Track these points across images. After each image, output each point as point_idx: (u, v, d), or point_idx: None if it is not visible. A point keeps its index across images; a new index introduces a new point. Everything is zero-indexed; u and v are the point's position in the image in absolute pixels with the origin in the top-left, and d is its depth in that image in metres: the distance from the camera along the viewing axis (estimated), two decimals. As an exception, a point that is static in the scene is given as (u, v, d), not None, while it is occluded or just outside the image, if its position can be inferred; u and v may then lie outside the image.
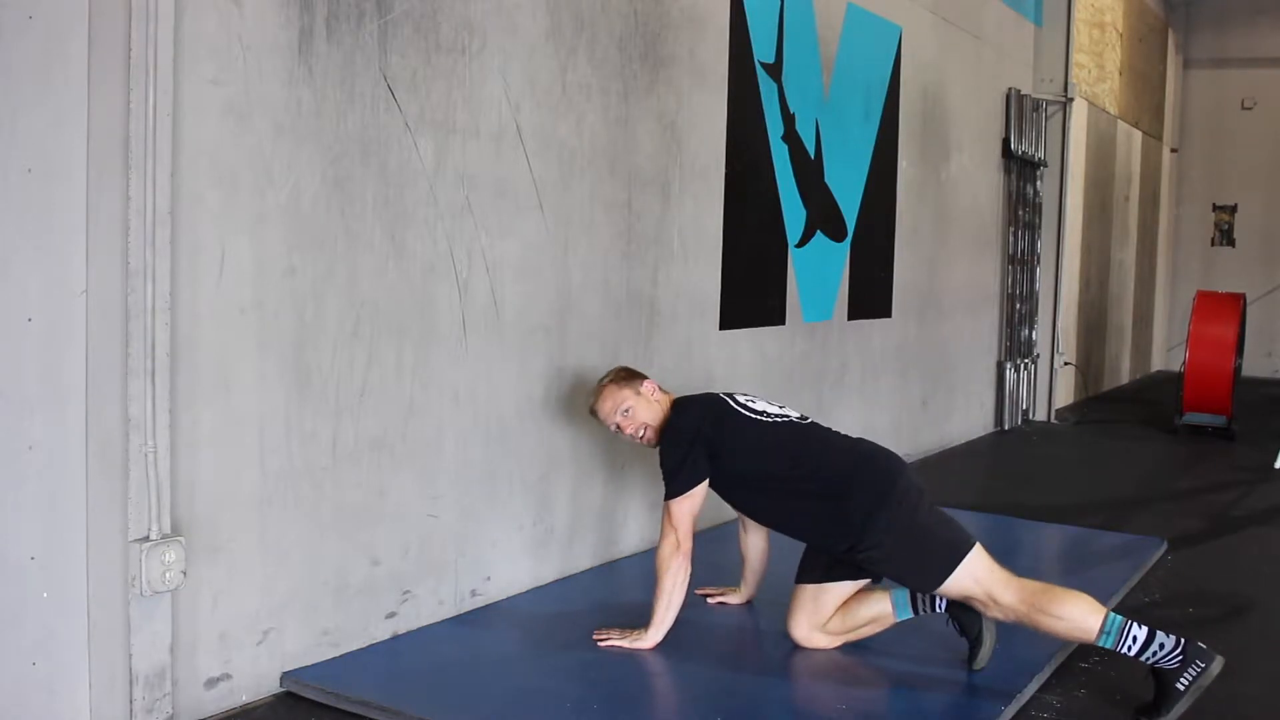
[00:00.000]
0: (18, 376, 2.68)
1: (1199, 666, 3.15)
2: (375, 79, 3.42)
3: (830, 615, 3.59)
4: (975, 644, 3.42)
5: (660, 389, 3.77)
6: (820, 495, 3.47)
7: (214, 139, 2.99)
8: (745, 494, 3.64)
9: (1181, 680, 3.15)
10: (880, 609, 3.57)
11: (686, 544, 3.51)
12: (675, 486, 3.51)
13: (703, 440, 3.53)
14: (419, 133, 3.57)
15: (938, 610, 3.49)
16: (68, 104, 2.72)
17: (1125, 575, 4.57)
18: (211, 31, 2.96)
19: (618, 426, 3.70)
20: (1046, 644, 3.66)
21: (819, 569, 3.57)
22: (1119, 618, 3.22)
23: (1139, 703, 3.25)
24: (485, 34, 3.79)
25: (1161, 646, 3.17)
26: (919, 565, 3.41)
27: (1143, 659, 3.19)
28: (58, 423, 2.76)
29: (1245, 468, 7.40)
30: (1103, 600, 4.15)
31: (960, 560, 3.34)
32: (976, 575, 3.35)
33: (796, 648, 3.60)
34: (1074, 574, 4.83)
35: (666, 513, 3.53)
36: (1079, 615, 3.23)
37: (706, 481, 3.54)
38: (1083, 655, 3.70)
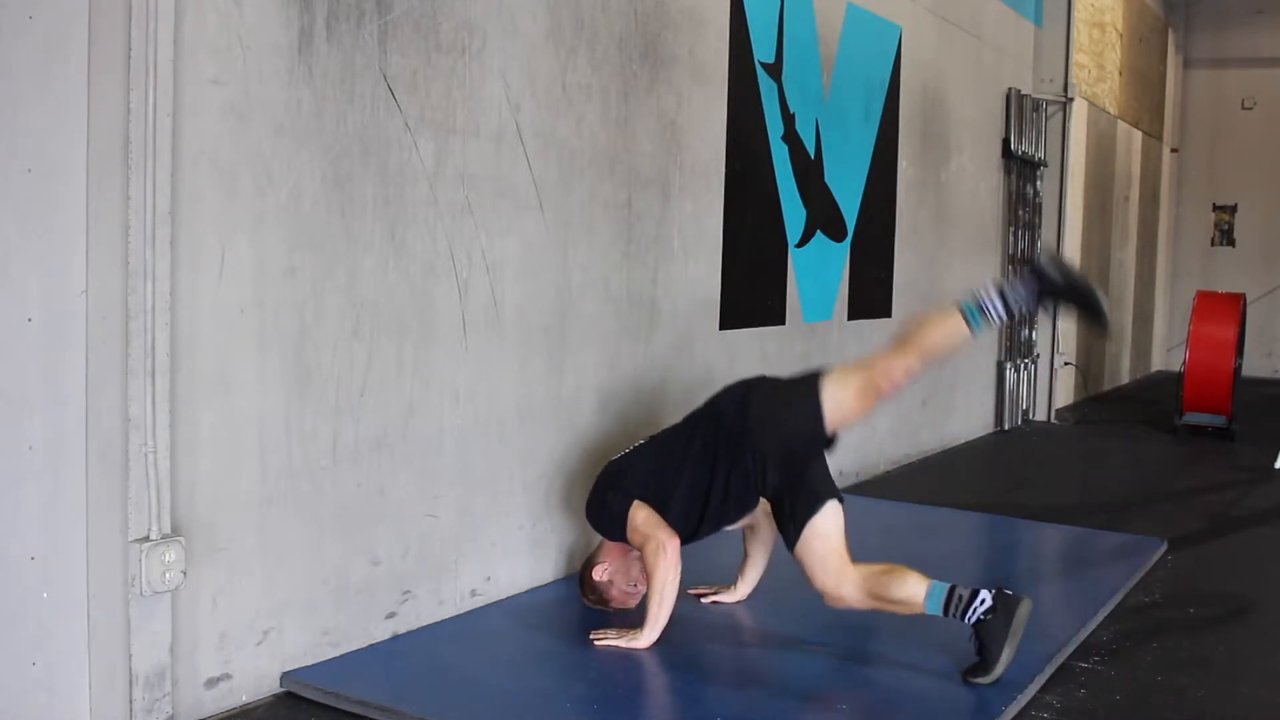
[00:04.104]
0: (18, 376, 2.68)
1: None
2: (375, 79, 3.42)
3: (842, 557, 3.49)
4: (984, 665, 3.32)
5: (610, 556, 3.78)
6: (704, 452, 3.58)
7: (214, 139, 2.99)
8: (676, 512, 3.63)
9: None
10: (913, 592, 3.42)
11: (670, 542, 3.52)
12: (619, 511, 3.61)
13: (612, 487, 3.68)
14: (419, 133, 3.57)
15: (967, 621, 3.36)
16: (68, 104, 2.72)
17: (1125, 575, 4.57)
18: (211, 31, 2.96)
19: (636, 584, 3.77)
20: (1046, 644, 3.66)
21: (788, 525, 3.55)
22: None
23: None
24: (485, 34, 3.79)
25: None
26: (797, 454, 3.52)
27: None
28: (58, 423, 2.76)
29: (1245, 468, 7.39)
30: (1103, 600, 4.18)
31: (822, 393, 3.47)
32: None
33: (795, 648, 3.60)
34: (1074, 574, 4.84)
35: (633, 530, 3.58)
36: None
37: (636, 498, 3.61)
38: (1083, 655, 3.70)
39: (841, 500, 3.58)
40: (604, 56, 4.33)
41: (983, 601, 3.33)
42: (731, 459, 3.56)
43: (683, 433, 3.72)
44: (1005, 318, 3.36)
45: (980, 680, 3.31)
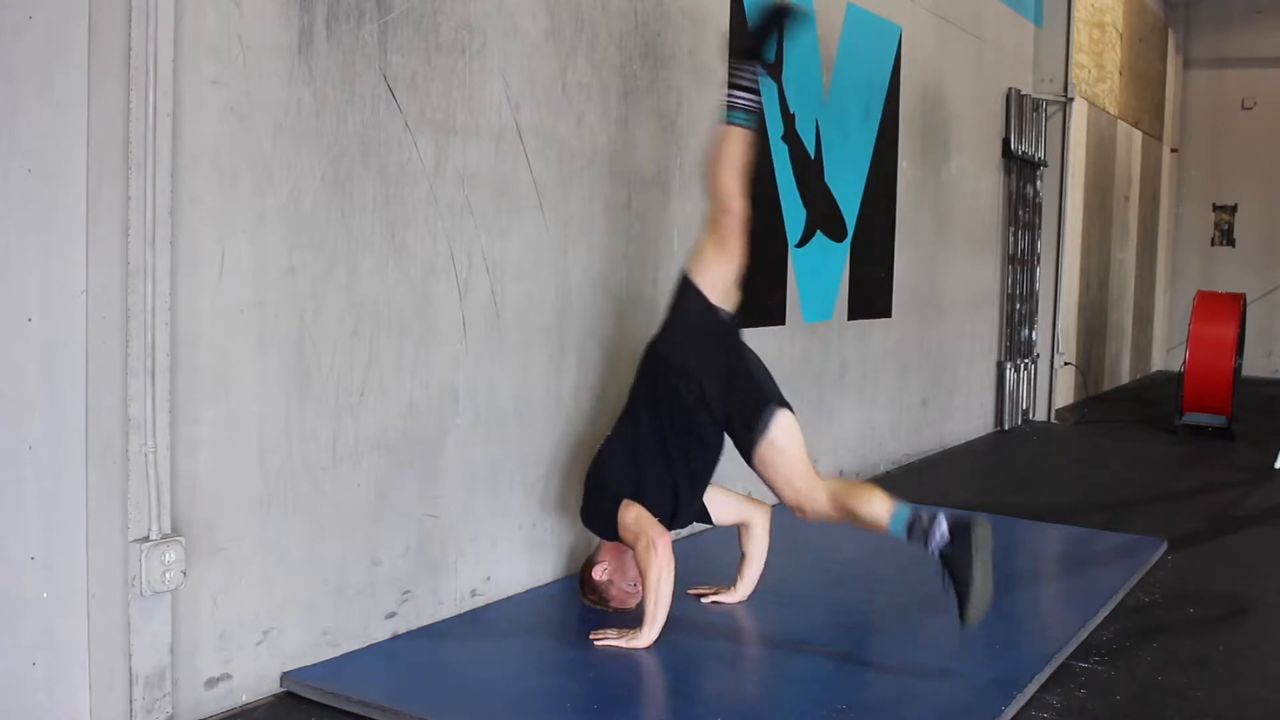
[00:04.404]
0: (18, 376, 2.68)
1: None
2: (375, 79, 3.42)
3: (806, 471, 3.57)
4: (963, 596, 3.34)
5: (608, 555, 3.80)
6: (648, 409, 3.67)
7: (214, 139, 2.99)
8: (653, 482, 3.68)
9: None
10: (878, 512, 3.46)
11: (660, 537, 3.53)
12: (608, 513, 3.64)
13: (597, 491, 3.72)
14: (419, 133, 3.57)
15: (930, 550, 3.40)
16: (68, 104, 2.72)
17: (1125, 575, 4.57)
18: (211, 31, 2.96)
19: (635, 583, 3.75)
20: (1046, 644, 3.67)
21: (742, 440, 3.63)
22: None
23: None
24: (485, 34, 3.79)
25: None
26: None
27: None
28: (58, 423, 2.76)
29: (1245, 468, 7.40)
30: (1103, 600, 4.18)
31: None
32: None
33: (795, 648, 3.60)
34: (1074, 574, 4.84)
35: (624, 530, 3.61)
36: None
37: (622, 496, 3.65)
38: (1083, 655, 3.70)
39: (792, 410, 3.65)
40: (604, 56, 4.33)
41: (941, 534, 3.35)
42: (668, 395, 3.63)
43: (629, 409, 3.77)
44: (752, 99, 3.65)
45: (967, 615, 3.32)
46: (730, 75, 3.72)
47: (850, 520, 3.51)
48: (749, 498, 4.05)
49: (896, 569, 4.56)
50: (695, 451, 3.70)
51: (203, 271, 2.98)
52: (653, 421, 3.67)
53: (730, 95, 3.70)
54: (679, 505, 3.73)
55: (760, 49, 3.72)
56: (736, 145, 3.67)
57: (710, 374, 3.60)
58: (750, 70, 3.69)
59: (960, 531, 3.32)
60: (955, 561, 3.33)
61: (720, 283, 3.64)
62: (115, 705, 2.85)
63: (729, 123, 3.69)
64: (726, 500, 3.94)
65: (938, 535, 3.34)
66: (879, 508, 3.45)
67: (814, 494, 3.54)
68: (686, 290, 3.67)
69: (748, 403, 3.60)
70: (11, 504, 2.68)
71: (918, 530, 3.38)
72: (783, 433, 3.58)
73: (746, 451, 3.61)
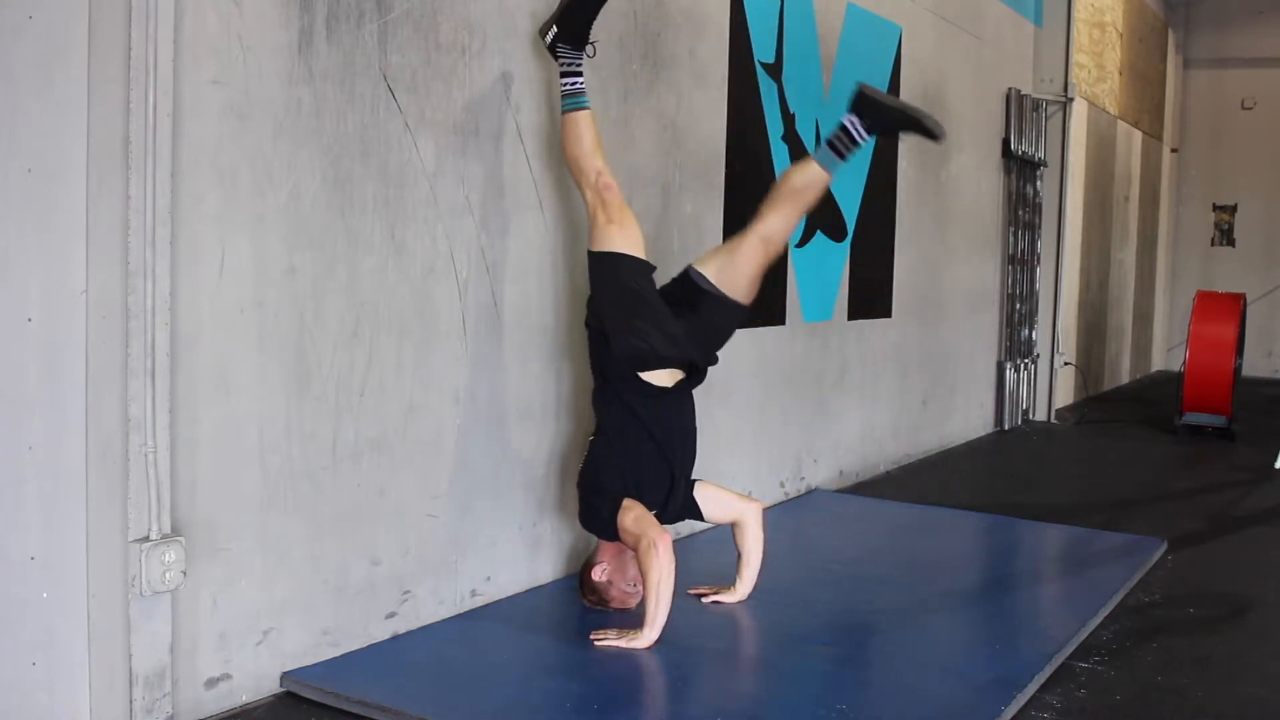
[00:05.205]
0: (18, 376, 2.68)
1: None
2: (375, 79, 3.42)
3: (740, 240, 3.83)
4: (916, 127, 3.68)
5: (607, 556, 3.79)
6: (613, 397, 3.72)
7: (214, 139, 2.99)
8: (648, 467, 3.75)
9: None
10: (807, 173, 3.77)
11: (661, 538, 3.52)
12: (608, 515, 3.65)
13: (595, 493, 3.71)
14: (419, 133, 3.57)
15: (859, 139, 3.66)
16: (68, 104, 2.72)
17: (1125, 575, 4.57)
18: (211, 31, 2.96)
19: (635, 583, 3.76)
20: (1046, 644, 3.66)
21: (730, 315, 3.84)
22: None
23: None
24: (485, 34, 3.79)
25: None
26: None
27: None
28: (58, 423, 2.76)
29: (1245, 468, 7.40)
30: (1103, 600, 4.18)
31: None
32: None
33: (796, 648, 3.61)
34: (1074, 574, 4.85)
35: (624, 533, 3.61)
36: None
37: (623, 496, 3.66)
38: (1083, 655, 3.70)
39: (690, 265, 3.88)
40: (604, 56, 4.33)
41: (852, 122, 3.65)
42: (639, 391, 3.68)
43: (606, 413, 3.76)
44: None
45: (931, 131, 3.68)
46: (559, 65, 3.79)
47: (801, 200, 3.78)
48: (740, 495, 4.07)
49: (896, 569, 4.56)
50: (681, 429, 3.78)
51: (203, 271, 2.98)
52: (629, 417, 3.69)
53: (564, 84, 3.79)
54: (674, 485, 3.76)
55: (582, 35, 3.77)
56: (585, 128, 3.77)
57: (668, 324, 3.68)
58: (573, 54, 3.77)
59: (861, 103, 3.65)
60: (882, 120, 3.67)
61: (633, 245, 3.74)
62: (115, 705, 2.85)
63: (569, 111, 3.78)
64: (718, 496, 3.95)
65: (852, 126, 3.65)
66: (803, 171, 3.77)
67: (763, 232, 3.79)
68: (602, 259, 3.72)
69: (686, 301, 3.75)
70: (11, 504, 2.68)
71: (840, 143, 3.69)
72: (712, 266, 3.81)
73: (735, 314, 3.81)
